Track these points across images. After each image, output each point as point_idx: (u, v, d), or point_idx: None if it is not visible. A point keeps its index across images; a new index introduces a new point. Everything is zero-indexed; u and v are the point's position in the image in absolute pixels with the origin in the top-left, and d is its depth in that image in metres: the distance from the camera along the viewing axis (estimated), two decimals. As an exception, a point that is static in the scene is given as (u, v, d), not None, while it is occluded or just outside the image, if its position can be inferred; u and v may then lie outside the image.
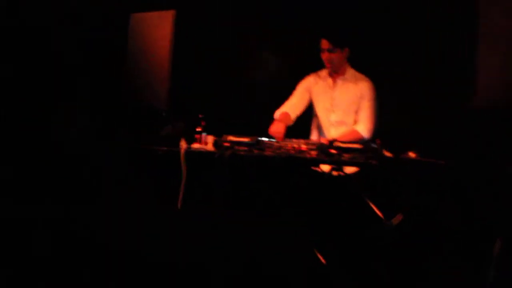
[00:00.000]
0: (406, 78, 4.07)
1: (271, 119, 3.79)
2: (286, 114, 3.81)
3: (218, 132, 3.35)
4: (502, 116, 2.84)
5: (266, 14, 4.49)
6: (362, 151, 2.95)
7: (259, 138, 3.21)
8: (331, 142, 3.02)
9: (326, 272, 2.97)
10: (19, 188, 3.82)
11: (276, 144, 3.18)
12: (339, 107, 3.83)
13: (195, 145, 3.24)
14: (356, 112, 3.78)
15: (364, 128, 3.71)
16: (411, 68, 4.06)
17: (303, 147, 3.09)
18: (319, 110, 3.91)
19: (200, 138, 3.35)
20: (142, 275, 3.14)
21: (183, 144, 3.22)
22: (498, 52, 2.76)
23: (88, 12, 4.31)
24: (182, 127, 3.38)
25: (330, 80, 3.89)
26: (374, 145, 3.01)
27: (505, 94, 2.80)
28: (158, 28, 3.73)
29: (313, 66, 3.96)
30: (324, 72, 3.92)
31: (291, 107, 3.89)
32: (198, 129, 3.41)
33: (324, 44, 3.73)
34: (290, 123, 3.79)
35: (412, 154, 3.02)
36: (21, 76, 4.12)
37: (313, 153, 3.05)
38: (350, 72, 3.85)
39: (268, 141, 3.22)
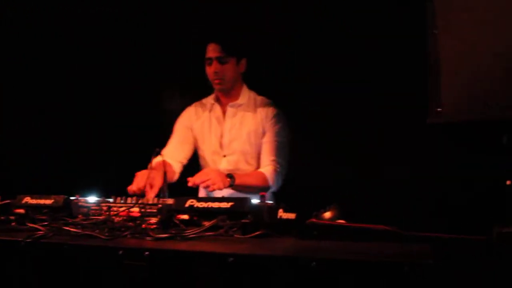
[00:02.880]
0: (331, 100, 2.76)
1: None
2: (163, 164, 2.35)
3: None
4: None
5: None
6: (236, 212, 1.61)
7: (71, 198, 1.87)
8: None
9: None
10: None
11: (91, 207, 1.84)
12: (232, 148, 2.53)
13: None
14: (259, 153, 2.51)
15: (271, 172, 2.41)
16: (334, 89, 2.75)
17: (134, 212, 1.75)
18: (205, 154, 2.61)
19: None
20: None
21: None
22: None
23: None
24: None
25: (217, 109, 2.60)
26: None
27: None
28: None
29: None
30: (210, 99, 2.64)
31: (171, 154, 2.54)
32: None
33: (212, 51, 2.49)
34: (173, 175, 2.48)
35: (327, 215, 1.70)
36: None
37: (153, 221, 1.72)
38: (246, 95, 2.58)
39: (84, 202, 1.88)
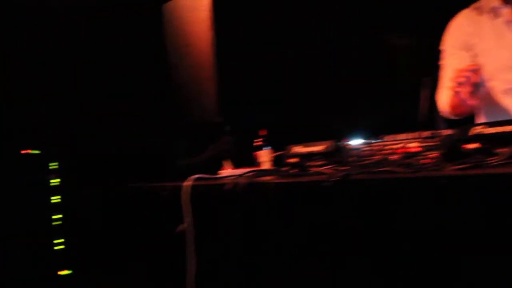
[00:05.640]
0: None
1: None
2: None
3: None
4: None
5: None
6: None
7: (339, 143, 1.87)
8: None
9: None
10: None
11: (362, 149, 1.79)
12: None
13: (225, 170, 2.06)
14: None
15: None
16: None
17: (411, 146, 1.65)
18: (489, 69, 2.10)
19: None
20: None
21: (225, 170, 2.08)
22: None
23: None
24: (228, 145, 2.23)
25: (506, 12, 2.09)
26: None
27: None
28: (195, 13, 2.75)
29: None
30: (489, 1, 2.15)
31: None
32: (257, 143, 2.23)
33: None
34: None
35: None
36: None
37: (433, 155, 1.60)
38: None
39: (354, 145, 1.85)
